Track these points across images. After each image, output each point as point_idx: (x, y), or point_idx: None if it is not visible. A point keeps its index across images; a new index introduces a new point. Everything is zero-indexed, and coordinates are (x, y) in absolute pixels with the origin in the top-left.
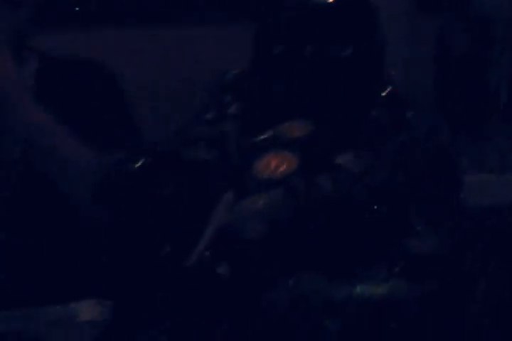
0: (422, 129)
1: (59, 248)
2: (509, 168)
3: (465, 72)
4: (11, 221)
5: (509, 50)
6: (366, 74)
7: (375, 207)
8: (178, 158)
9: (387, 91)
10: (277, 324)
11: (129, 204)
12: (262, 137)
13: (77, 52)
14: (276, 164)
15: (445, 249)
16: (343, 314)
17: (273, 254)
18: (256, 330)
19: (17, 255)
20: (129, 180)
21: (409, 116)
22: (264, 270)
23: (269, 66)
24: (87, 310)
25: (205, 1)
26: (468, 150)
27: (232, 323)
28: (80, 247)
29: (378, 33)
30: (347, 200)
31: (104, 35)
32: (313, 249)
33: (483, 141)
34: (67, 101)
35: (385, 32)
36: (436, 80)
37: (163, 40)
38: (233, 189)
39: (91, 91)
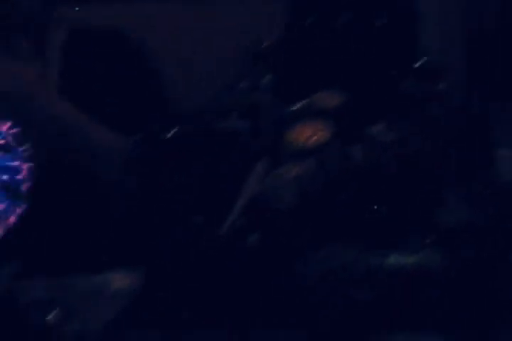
0: (455, 100)
1: (91, 220)
2: None
3: (497, 42)
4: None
5: None
6: (400, 43)
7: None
8: (211, 129)
9: (421, 61)
10: (308, 294)
11: (154, 180)
12: (295, 107)
13: (107, 23)
14: (309, 134)
15: (477, 222)
16: (374, 284)
17: (304, 224)
18: (287, 299)
19: (51, 226)
20: (146, 163)
21: (442, 87)
22: (295, 239)
23: (302, 36)
24: (118, 281)
25: None
26: (501, 123)
27: (262, 293)
28: (111, 219)
29: (412, 3)
30: (378, 170)
31: (134, 6)
32: (345, 219)
33: None
34: (95, 73)
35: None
36: (469, 52)
37: (195, 11)
38: (266, 158)
39: (119, 63)
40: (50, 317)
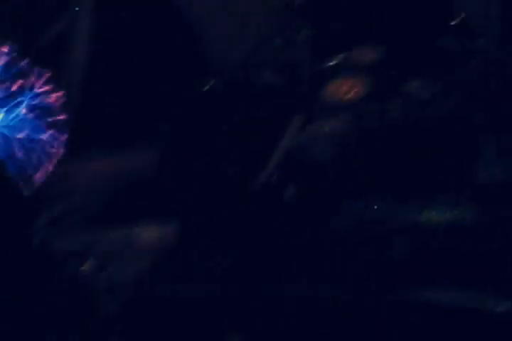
0: (491, 58)
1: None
2: None
3: None
4: None
5: None
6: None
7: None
8: (248, 82)
9: (457, 19)
10: (343, 247)
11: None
12: (333, 62)
13: None
14: (345, 89)
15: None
16: (411, 238)
17: (341, 177)
18: (322, 252)
19: None
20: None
21: (479, 45)
22: (330, 193)
23: None
24: (151, 233)
25: None
26: None
27: (298, 244)
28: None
29: None
30: (415, 126)
31: None
32: (381, 174)
33: None
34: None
35: None
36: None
37: None
38: (303, 112)
39: (155, 22)
40: (83, 267)
